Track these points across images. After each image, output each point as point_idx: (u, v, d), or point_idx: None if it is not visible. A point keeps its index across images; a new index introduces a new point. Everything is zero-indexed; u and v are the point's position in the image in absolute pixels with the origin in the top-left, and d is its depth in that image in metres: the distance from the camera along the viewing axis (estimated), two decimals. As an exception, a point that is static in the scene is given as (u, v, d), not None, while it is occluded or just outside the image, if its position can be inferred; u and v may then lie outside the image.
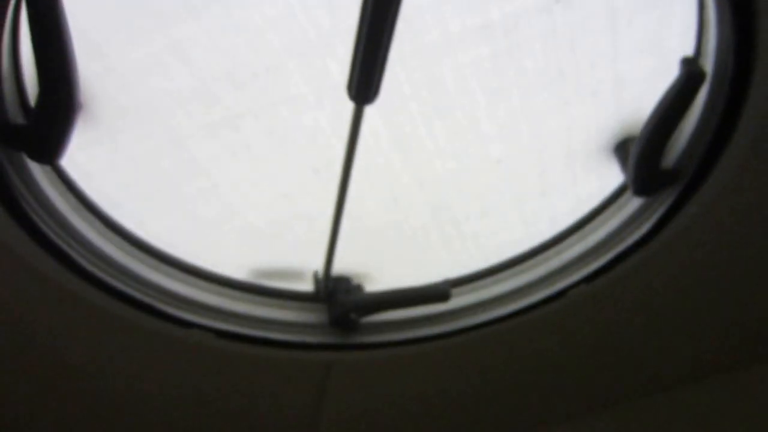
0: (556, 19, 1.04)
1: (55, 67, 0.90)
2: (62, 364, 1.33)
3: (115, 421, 1.47)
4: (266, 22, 1.00)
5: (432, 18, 1.01)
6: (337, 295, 1.37)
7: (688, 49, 1.11)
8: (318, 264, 1.35)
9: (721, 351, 1.61)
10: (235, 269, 1.36)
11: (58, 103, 0.93)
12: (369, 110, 1.05)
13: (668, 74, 1.09)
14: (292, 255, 1.37)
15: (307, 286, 1.40)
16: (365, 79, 0.96)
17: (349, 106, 1.03)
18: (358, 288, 1.40)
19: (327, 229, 1.26)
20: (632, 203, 1.29)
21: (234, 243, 1.33)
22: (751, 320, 1.54)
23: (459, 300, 1.42)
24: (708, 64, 1.07)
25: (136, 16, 0.96)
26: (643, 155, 1.17)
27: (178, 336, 1.27)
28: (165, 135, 1.10)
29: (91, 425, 1.46)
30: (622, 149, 1.28)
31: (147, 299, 1.21)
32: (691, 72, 1.07)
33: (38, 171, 1.04)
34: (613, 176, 1.30)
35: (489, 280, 1.46)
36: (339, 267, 1.36)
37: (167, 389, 1.43)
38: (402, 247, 1.41)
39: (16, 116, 0.96)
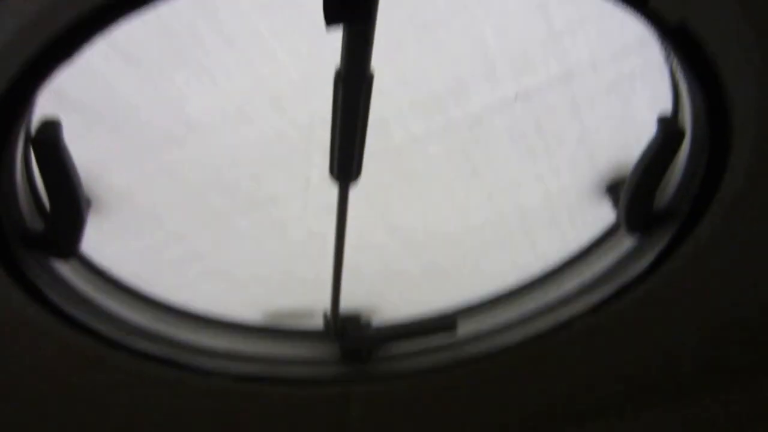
0: (517, 112, 1.08)
1: (61, 192, 1.04)
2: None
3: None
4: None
5: (396, 124, 1.06)
6: (347, 331, 1.44)
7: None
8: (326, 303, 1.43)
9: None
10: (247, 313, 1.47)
11: (67, 215, 1.07)
12: (352, 196, 1.11)
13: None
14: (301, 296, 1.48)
15: (317, 323, 1.49)
16: (346, 161, 1.03)
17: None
18: (367, 323, 1.48)
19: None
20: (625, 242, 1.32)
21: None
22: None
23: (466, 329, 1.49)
24: (686, 121, 1.08)
25: (128, 147, 1.08)
26: (634, 199, 1.19)
27: (198, 384, 1.39)
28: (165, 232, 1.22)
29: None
30: (613, 190, 1.31)
31: (166, 353, 1.34)
32: (668, 131, 1.09)
33: (62, 265, 1.17)
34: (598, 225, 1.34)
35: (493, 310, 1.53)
36: (345, 304, 1.43)
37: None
38: (402, 292, 1.49)
39: (34, 222, 1.08)
